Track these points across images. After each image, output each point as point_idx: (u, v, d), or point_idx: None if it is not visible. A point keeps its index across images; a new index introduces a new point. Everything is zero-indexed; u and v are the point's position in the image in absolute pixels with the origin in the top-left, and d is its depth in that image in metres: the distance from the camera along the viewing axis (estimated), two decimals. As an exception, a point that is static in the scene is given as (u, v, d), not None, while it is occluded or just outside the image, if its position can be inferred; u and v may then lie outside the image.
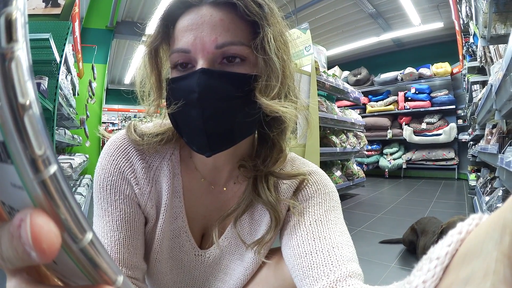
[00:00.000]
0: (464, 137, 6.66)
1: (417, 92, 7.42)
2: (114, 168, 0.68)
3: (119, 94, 11.86)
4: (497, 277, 0.20)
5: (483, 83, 3.87)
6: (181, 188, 0.72)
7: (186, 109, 0.59)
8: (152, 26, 0.65)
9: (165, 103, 0.65)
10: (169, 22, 0.62)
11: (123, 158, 0.69)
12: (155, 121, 0.73)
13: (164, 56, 0.68)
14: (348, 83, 6.11)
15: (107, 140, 0.73)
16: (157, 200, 0.71)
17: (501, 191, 2.51)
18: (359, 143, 5.05)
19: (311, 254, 0.61)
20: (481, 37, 2.26)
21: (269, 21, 0.60)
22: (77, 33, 4.15)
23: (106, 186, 0.68)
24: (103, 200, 0.68)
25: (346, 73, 8.67)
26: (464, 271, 0.23)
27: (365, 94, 7.92)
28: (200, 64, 0.57)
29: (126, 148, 0.69)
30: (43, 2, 2.78)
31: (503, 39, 2.05)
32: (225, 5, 0.58)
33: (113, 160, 0.69)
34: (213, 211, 0.76)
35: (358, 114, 5.66)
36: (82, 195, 3.79)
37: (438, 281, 0.25)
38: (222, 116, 0.59)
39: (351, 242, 0.65)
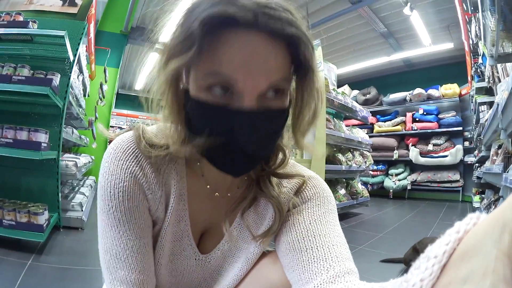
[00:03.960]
0: (470, 159, 6.61)
1: (425, 113, 7.40)
2: (125, 174, 0.65)
3: (128, 99, 11.95)
4: (496, 276, 0.20)
5: (490, 104, 3.86)
6: (186, 192, 0.72)
7: (223, 141, 0.57)
8: (181, 33, 0.54)
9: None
10: (209, 31, 0.51)
11: (134, 162, 0.66)
12: (159, 124, 0.70)
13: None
14: (357, 102, 6.12)
15: (109, 141, 0.71)
16: (165, 204, 0.71)
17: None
18: (365, 162, 5.03)
19: (311, 249, 0.62)
20: (489, 56, 2.27)
21: (314, 63, 0.58)
22: (92, 35, 4.23)
23: (119, 193, 0.64)
24: (115, 209, 0.64)
25: (355, 92, 8.70)
26: (462, 270, 0.23)
27: (373, 113, 7.90)
28: (247, 100, 0.54)
29: (135, 151, 0.66)
30: (60, 0, 2.85)
31: (510, 57, 2.05)
32: (278, 36, 0.53)
33: (123, 165, 0.65)
34: (214, 216, 0.76)
35: (366, 133, 5.65)
36: (85, 195, 3.81)
37: (435, 280, 0.25)
38: (262, 147, 0.60)
39: (347, 244, 0.67)
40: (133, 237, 0.65)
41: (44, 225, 2.36)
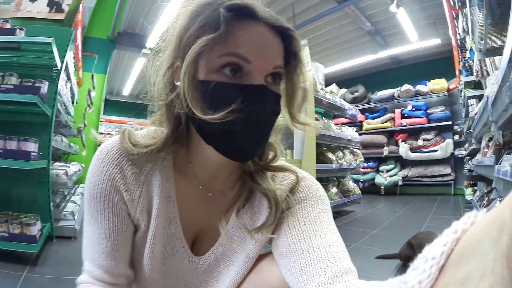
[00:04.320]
0: (461, 152, 6.70)
1: (413, 109, 7.50)
2: (104, 176, 0.68)
3: (117, 106, 11.90)
4: (495, 278, 0.20)
5: (480, 98, 3.92)
6: (175, 193, 0.72)
7: (242, 116, 0.59)
8: (202, 20, 0.60)
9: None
10: (229, 20, 0.58)
11: (114, 164, 0.69)
12: (149, 128, 0.72)
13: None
14: (345, 100, 6.17)
15: (99, 144, 0.74)
16: (148, 205, 0.72)
17: (498, 201, 2.51)
18: (355, 160, 5.06)
19: (308, 251, 0.63)
20: (478, 50, 2.30)
21: (302, 54, 0.69)
22: (79, 41, 4.18)
23: (96, 193, 0.69)
24: (93, 208, 0.70)
25: (343, 90, 8.76)
26: (461, 271, 0.23)
27: (362, 111, 7.98)
28: (258, 78, 0.61)
29: (117, 153, 0.69)
30: (47, 6, 2.80)
31: (499, 51, 2.08)
32: (278, 32, 0.63)
33: (103, 167, 0.68)
34: (207, 218, 0.76)
35: (355, 131, 5.69)
36: (76, 204, 3.76)
37: (434, 281, 0.25)
38: (269, 128, 0.65)
39: (343, 243, 0.67)
40: (104, 237, 0.70)
41: (37, 236, 2.31)
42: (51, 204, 2.84)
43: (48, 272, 2.14)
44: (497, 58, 2.38)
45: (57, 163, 3.82)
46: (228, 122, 0.59)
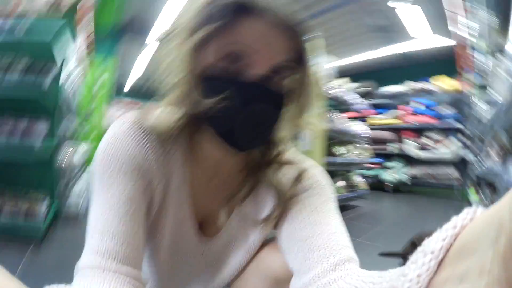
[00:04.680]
0: (468, 154, 6.61)
1: (421, 106, 7.39)
2: (132, 140, 0.64)
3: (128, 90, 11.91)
4: (492, 276, 0.20)
5: (488, 101, 3.86)
6: (189, 175, 0.73)
7: (238, 109, 0.60)
8: (199, 7, 0.61)
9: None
10: (231, 12, 0.59)
11: (142, 132, 0.65)
12: (164, 109, 0.70)
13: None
14: (354, 94, 6.11)
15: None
16: (165, 184, 0.71)
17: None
18: (363, 154, 5.03)
19: (312, 238, 0.64)
20: (486, 52, 2.27)
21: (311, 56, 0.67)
22: (90, 26, 4.18)
23: (121, 155, 0.62)
24: (113, 171, 0.62)
25: (353, 84, 8.65)
26: (459, 268, 0.24)
27: (370, 106, 7.89)
28: (261, 70, 0.60)
29: (142, 125, 0.66)
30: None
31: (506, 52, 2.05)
32: (289, 28, 0.61)
33: (132, 134, 0.64)
34: (214, 202, 0.77)
35: (362, 126, 5.64)
36: (84, 184, 3.81)
37: (432, 275, 0.26)
38: (270, 120, 0.64)
39: (346, 232, 0.69)
40: (126, 201, 0.61)
41: (45, 214, 2.36)
42: (59, 183, 2.89)
43: (54, 249, 2.21)
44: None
45: (66, 144, 3.87)
46: (225, 113, 0.60)
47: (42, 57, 2.61)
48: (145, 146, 0.65)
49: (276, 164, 0.75)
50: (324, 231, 0.65)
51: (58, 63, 2.73)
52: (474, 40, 3.62)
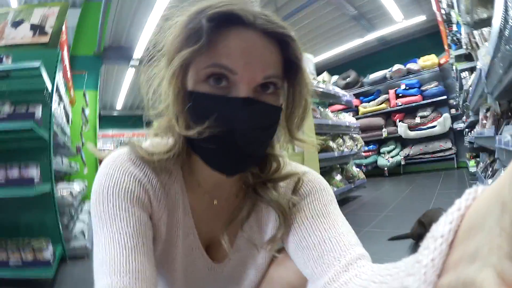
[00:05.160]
0: (459, 125, 6.71)
1: (407, 87, 7.48)
2: (128, 176, 0.62)
3: (111, 120, 11.89)
4: (502, 252, 0.20)
5: (472, 70, 3.93)
6: (188, 204, 0.72)
7: (222, 134, 0.58)
8: (183, 26, 0.59)
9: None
10: (214, 29, 0.57)
11: (138, 169, 0.64)
12: (152, 140, 0.69)
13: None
14: (338, 87, 6.17)
15: (99, 160, 0.69)
16: (167, 217, 0.69)
17: (503, 171, 2.51)
18: (356, 145, 5.08)
19: (319, 244, 0.64)
20: (464, 24, 2.30)
21: (303, 64, 0.65)
22: (66, 61, 4.17)
23: (119, 192, 0.60)
24: (112, 207, 0.59)
25: (335, 77, 8.75)
26: (470, 247, 0.24)
27: (356, 96, 7.98)
28: (244, 91, 0.58)
29: (137, 161, 0.64)
30: (30, 30, 2.79)
31: (486, 22, 2.08)
32: (273, 37, 0.60)
33: (126, 170, 0.63)
34: (217, 227, 0.76)
35: (352, 116, 5.70)
36: (84, 222, 3.77)
37: (445, 257, 0.26)
38: (256, 143, 0.63)
39: (352, 230, 0.68)
40: (131, 235, 0.58)
41: (51, 260, 2.32)
42: (60, 226, 2.85)
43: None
44: (485, 29, 2.39)
45: (60, 185, 3.82)
46: (209, 137, 0.58)
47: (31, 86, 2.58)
48: (142, 181, 0.63)
49: (272, 183, 0.73)
50: (330, 235, 0.64)
51: (49, 88, 2.70)
52: (450, 12, 3.68)
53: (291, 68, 0.64)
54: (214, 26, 0.56)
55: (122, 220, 0.58)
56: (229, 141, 0.59)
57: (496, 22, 1.26)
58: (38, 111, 2.60)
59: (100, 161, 0.69)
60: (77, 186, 3.94)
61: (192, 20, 0.58)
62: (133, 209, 0.60)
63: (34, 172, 2.41)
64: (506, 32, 1.20)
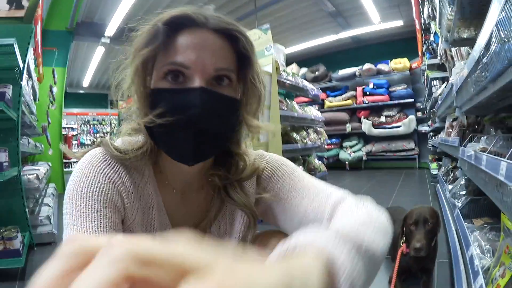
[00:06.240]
0: (424, 128, 6.99)
1: (375, 87, 7.70)
2: (103, 177, 0.64)
3: (77, 98, 11.38)
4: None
5: (443, 79, 4.10)
6: (162, 202, 0.74)
7: (178, 121, 0.62)
8: (145, 30, 0.65)
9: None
10: (170, 32, 0.63)
11: (112, 170, 0.66)
12: (124, 138, 0.72)
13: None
14: (306, 79, 6.21)
15: (64, 140, 0.69)
16: (141, 216, 0.71)
17: (463, 179, 2.67)
18: (319, 138, 5.18)
19: (302, 198, 0.72)
20: (445, 40, 2.38)
21: (254, 57, 0.71)
22: (39, 36, 3.93)
23: (93, 192, 0.62)
24: (85, 206, 0.61)
25: (304, 69, 8.84)
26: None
27: (323, 90, 8.13)
28: (198, 82, 0.62)
29: (112, 161, 0.66)
30: (7, 4, 2.61)
31: (465, 42, 2.17)
32: (224, 35, 0.66)
33: (101, 171, 0.65)
34: (188, 220, 0.79)
35: (317, 109, 5.80)
36: (50, 206, 3.64)
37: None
38: (213, 130, 0.66)
39: (321, 182, 0.76)
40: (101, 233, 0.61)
41: (20, 248, 2.24)
42: (27, 211, 2.74)
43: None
44: (463, 48, 2.50)
45: (26, 167, 3.66)
46: (167, 126, 0.62)
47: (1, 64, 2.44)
48: (116, 182, 0.66)
49: (240, 181, 0.77)
50: (311, 199, 0.71)
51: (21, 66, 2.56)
52: (429, 23, 3.78)
53: (244, 62, 0.69)
54: (169, 30, 0.63)
55: (93, 220, 0.60)
56: (185, 128, 0.63)
57: (477, 50, 1.33)
58: (9, 91, 2.46)
59: (65, 140, 0.69)
60: (42, 169, 3.77)
61: (153, 26, 0.64)
62: (105, 211, 0.62)
63: (2, 156, 2.28)
64: (484, 60, 1.27)
